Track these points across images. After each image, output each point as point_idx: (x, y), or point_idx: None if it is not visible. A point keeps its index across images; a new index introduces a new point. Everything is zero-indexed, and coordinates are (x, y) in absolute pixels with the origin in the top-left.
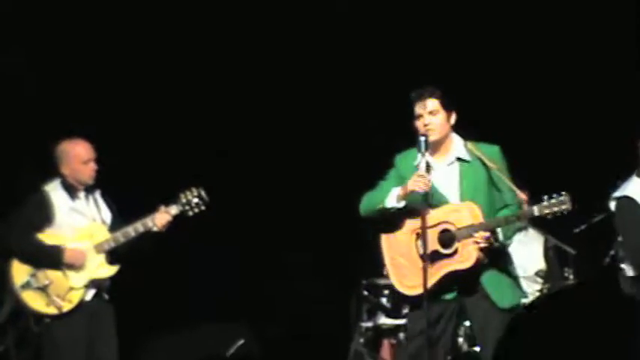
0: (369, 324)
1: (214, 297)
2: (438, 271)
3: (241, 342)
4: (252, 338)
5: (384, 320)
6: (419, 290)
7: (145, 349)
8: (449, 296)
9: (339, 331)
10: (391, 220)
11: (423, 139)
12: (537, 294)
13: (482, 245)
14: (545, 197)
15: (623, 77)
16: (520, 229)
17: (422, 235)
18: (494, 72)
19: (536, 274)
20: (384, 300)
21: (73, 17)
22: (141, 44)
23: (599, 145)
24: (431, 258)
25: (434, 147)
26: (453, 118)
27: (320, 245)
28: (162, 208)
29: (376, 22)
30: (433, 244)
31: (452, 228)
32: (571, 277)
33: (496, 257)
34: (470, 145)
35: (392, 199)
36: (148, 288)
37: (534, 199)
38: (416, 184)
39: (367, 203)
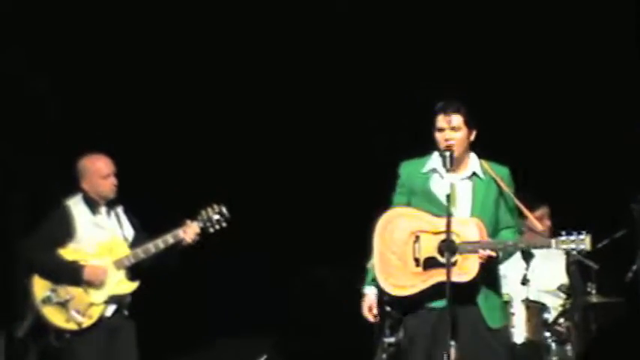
0: (392, 339)
1: (237, 312)
2: (431, 278)
3: (264, 357)
4: (275, 353)
5: None
6: (404, 292)
7: None
8: (434, 304)
9: (362, 346)
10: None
11: (448, 154)
12: (560, 309)
13: (483, 262)
14: (564, 233)
15: None
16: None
17: (446, 240)
18: (498, 73)
19: (559, 288)
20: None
21: (90, 36)
22: (153, 56)
23: (622, 159)
24: (426, 264)
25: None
26: (473, 135)
27: (344, 259)
28: (188, 222)
29: (376, 22)
30: (431, 251)
31: (456, 239)
32: (594, 292)
33: (490, 277)
34: (484, 163)
35: None
36: (169, 303)
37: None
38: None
39: None
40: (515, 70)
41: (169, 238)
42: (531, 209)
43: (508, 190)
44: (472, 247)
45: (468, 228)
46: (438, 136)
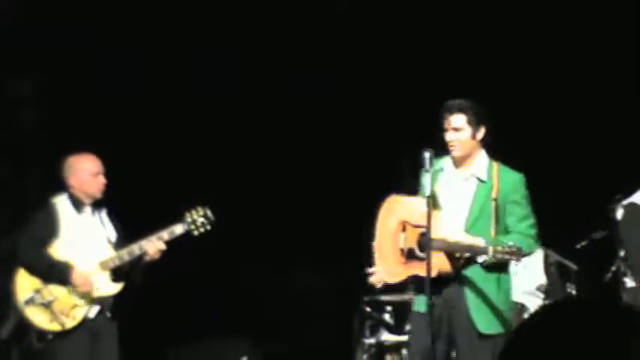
0: (372, 340)
1: (216, 312)
2: (408, 270)
3: (244, 358)
4: (255, 354)
5: (386, 336)
6: (391, 279)
7: None
8: (421, 308)
9: (342, 347)
10: None
11: (427, 155)
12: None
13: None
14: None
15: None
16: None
17: (426, 233)
18: (499, 71)
19: (538, 288)
20: (386, 316)
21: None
22: (141, 57)
23: (601, 160)
24: (408, 255)
25: (457, 161)
26: (482, 133)
27: (322, 260)
28: (153, 237)
29: (376, 22)
30: (412, 243)
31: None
32: (573, 292)
33: (489, 281)
34: (495, 166)
35: None
36: (149, 304)
37: None
38: None
39: None
40: (492, 72)
41: (154, 240)
42: None
43: (516, 199)
44: (440, 245)
45: (450, 227)
46: (445, 136)
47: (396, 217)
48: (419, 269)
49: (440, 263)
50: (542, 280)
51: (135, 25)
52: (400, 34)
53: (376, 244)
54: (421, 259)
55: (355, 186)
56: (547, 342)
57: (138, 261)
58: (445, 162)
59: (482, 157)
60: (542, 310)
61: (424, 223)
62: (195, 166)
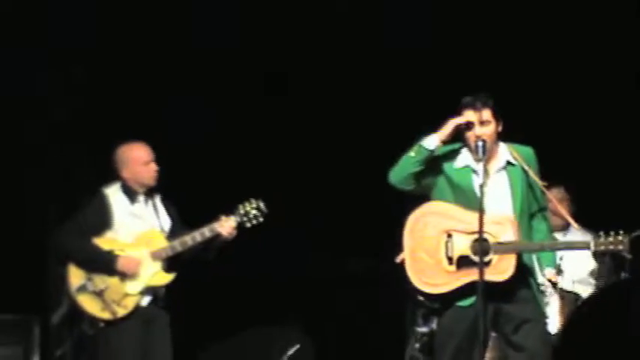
0: (425, 329)
1: (270, 301)
2: (465, 277)
3: (297, 347)
4: (307, 343)
5: None
6: (437, 290)
7: (200, 354)
8: (465, 303)
9: (395, 336)
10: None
11: (481, 144)
12: None
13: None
14: (602, 233)
15: None
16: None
17: (479, 239)
18: (500, 69)
19: (591, 274)
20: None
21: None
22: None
23: None
24: (460, 263)
25: (486, 154)
26: (501, 126)
27: (376, 250)
28: (223, 217)
29: (376, 22)
30: (464, 250)
31: (490, 239)
32: None
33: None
34: (511, 148)
35: (433, 140)
36: (203, 293)
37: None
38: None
39: (399, 167)
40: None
41: (206, 231)
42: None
43: (533, 171)
44: (506, 249)
45: (502, 227)
46: (468, 132)
47: (435, 227)
48: (476, 275)
49: (506, 266)
50: (592, 264)
51: None
52: (400, 34)
53: (409, 259)
54: (479, 264)
55: None
56: (603, 325)
57: (210, 242)
58: (465, 159)
59: (502, 146)
60: (598, 294)
61: (474, 229)
62: (249, 158)
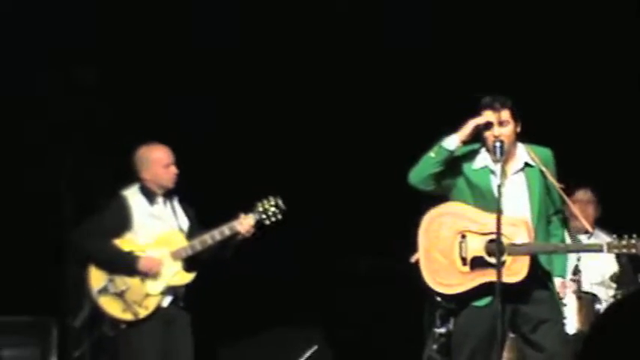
0: (442, 330)
1: (287, 303)
2: (479, 277)
3: (315, 348)
4: (325, 344)
5: None
6: (451, 290)
7: (219, 355)
8: (480, 303)
9: (413, 336)
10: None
11: (499, 144)
12: (612, 300)
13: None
14: (615, 237)
15: None
16: None
17: (497, 240)
18: (502, 70)
19: (610, 278)
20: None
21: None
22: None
23: None
24: (474, 264)
25: (505, 155)
26: (519, 127)
27: (394, 251)
28: (242, 215)
29: (376, 22)
30: (479, 251)
31: (504, 240)
32: None
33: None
34: (529, 149)
35: (453, 140)
36: (221, 294)
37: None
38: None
39: (419, 168)
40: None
41: (225, 230)
42: (571, 192)
43: (551, 173)
44: (520, 250)
45: (516, 229)
46: (487, 132)
47: (450, 228)
48: (489, 276)
49: (520, 267)
50: (614, 268)
51: None
52: (400, 34)
53: (423, 259)
54: (492, 265)
55: None
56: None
57: (228, 240)
58: (484, 159)
59: (520, 147)
60: (622, 302)
61: (489, 230)
62: (266, 156)
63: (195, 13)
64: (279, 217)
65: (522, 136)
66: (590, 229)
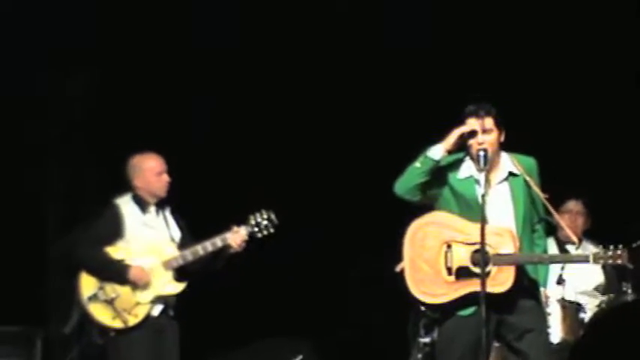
0: (427, 339)
1: (273, 312)
2: (465, 287)
3: (300, 357)
4: (310, 353)
5: None
6: (437, 300)
7: None
8: (465, 312)
9: (397, 346)
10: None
11: (482, 153)
12: (596, 309)
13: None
14: (601, 247)
15: None
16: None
17: (481, 249)
18: (502, 70)
19: (596, 288)
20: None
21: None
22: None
23: None
24: (459, 273)
25: (488, 164)
26: (503, 136)
27: (377, 261)
28: (235, 227)
29: (376, 22)
30: (465, 261)
31: (489, 250)
32: (629, 291)
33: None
34: (513, 158)
35: (438, 150)
36: (208, 304)
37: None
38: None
39: (405, 179)
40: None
41: (217, 241)
42: (559, 204)
43: (535, 182)
44: (506, 260)
45: (501, 239)
46: (471, 140)
47: (436, 237)
48: (474, 286)
49: (505, 277)
50: (600, 279)
51: None
52: (400, 33)
53: (409, 269)
54: (477, 275)
55: None
56: (616, 342)
57: (219, 252)
58: (468, 169)
59: (504, 156)
60: (609, 311)
61: (474, 240)
62: (259, 167)
63: (195, 13)
64: (272, 230)
65: (524, 141)
66: (575, 239)
